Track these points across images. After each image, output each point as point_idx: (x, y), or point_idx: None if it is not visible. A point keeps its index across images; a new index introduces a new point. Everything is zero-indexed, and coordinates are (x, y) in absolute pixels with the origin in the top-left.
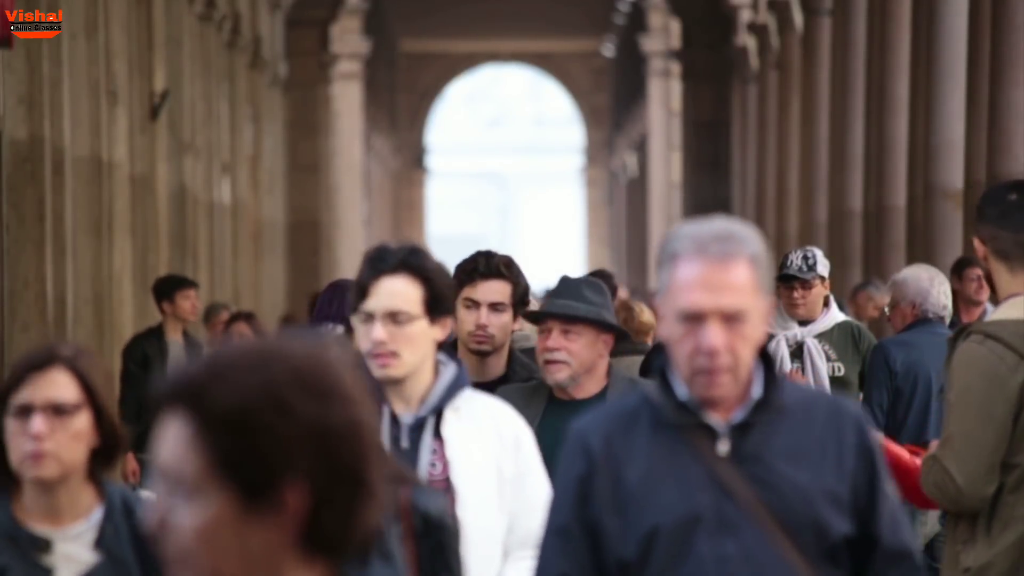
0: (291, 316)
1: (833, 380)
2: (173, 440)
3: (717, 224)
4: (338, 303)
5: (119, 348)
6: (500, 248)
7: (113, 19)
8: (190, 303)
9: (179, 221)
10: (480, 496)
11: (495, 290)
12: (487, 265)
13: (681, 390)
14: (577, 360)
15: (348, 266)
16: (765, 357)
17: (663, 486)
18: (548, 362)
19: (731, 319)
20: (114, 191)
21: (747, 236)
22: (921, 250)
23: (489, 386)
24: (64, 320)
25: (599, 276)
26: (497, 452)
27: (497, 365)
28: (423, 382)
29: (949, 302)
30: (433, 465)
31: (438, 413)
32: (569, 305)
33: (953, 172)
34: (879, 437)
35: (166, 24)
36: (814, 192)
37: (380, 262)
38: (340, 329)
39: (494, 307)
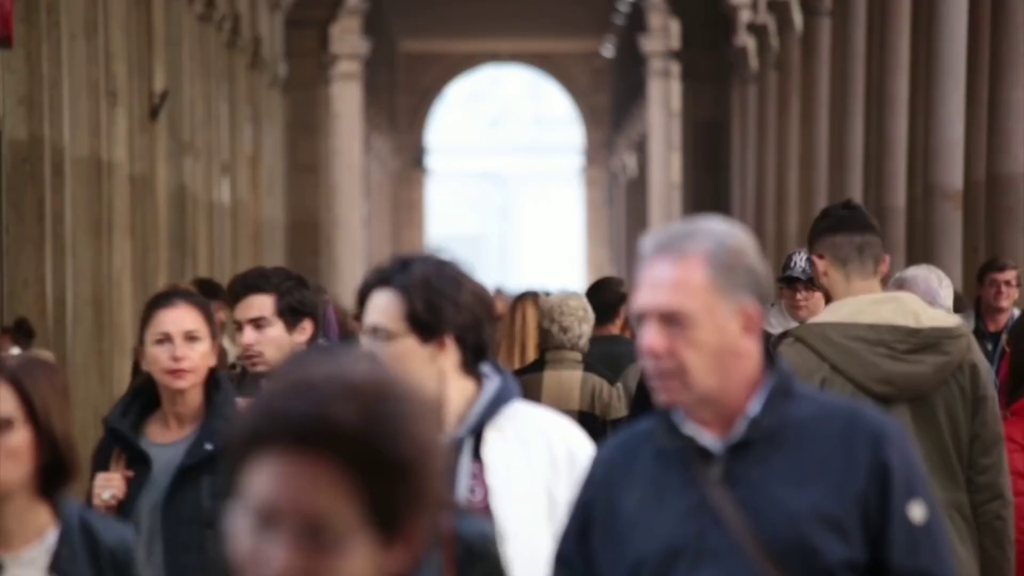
0: None
1: None
2: (315, 488)
3: (684, 224)
4: None
5: (118, 348)
6: (499, 248)
7: (113, 19)
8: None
9: (179, 221)
10: (525, 524)
11: (254, 305)
12: (243, 282)
13: (679, 412)
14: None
15: (348, 266)
16: (777, 367)
17: (654, 516)
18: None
19: (671, 321)
20: (114, 191)
21: (709, 234)
22: (921, 250)
23: None
24: (64, 320)
25: (603, 284)
26: (547, 473)
27: None
28: (454, 401)
29: (951, 305)
30: (472, 491)
31: (478, 433)
32: None
33: (953, 172)
34: None
35: (166, 24)
36: (814, 192)
37: (374, 274)
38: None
39: (257, 323)
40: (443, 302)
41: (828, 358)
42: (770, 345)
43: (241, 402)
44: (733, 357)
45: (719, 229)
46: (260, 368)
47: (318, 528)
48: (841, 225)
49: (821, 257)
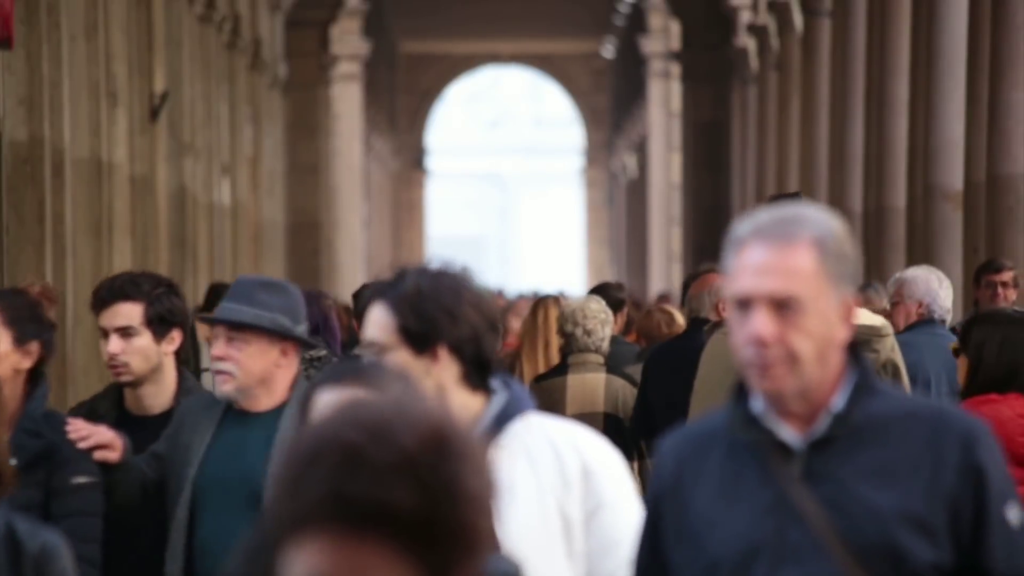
0: None
1: None
2: (372, 573)
3: (785, 209)
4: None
5: None
6: (500, 248)
7: (113, 20)
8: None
9: (179, 222)
10: (535, 548)
11: (120, 313)
12: (109, 289)
13: (756, 403)
14: (243, 370)
15: (348, 267)
16: (859, 362)
17: (729, 513)
18: (216, 372)
19: (782, 307)
20: (114, 192)
21: (815, 219)
22: (921, 251)
23: (156, 421)
24: (64, 321)
25: (605, 288)
26: (558, 491)
27: (159, 395)
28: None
29: (950, 305)
30: None
31: None
32: (235, 309)
33: (953, 173)
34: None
35: (166, 25)
36: (814, 193)
37: (374, 287)
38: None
39: (123, 332)
40: (437, 313)
41: None
42: (703, 333)
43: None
44: (833, 348)
45: (822, 216)
46: (125, 379)
47: None
48: None
49: None
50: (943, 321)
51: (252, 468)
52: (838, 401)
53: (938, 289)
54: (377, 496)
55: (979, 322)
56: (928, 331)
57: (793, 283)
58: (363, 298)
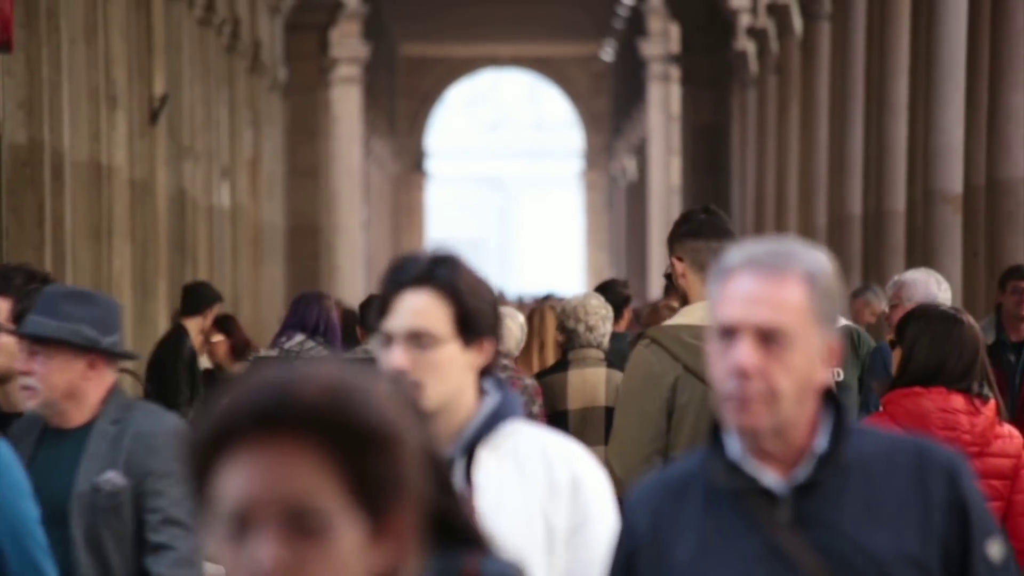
0: None
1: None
2: (290, 470)
3: (777, 242)
4: (302, 312)
5: None
6: (499, 252)
7: (112, 24)
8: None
9: (178, 225)
10: (516, 553)
11: None
12: None
13: (734, 447)
14: (46, 384)
15: (347, 270)
16: (834, 405)
17: (715, 565)
18: (22, 388)
19: (768, 339)
20: (113, 195)
21: (806, 255)
22: (920, 254)
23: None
24: None
25: (608, 286)
26: (545, 500)
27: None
28: (459, 417)
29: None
30: None
31: (471, 452)
32: (38, 322)
33: (952, 176)
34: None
35: (165, 28)
36: (813, 196)
37: (402, 273)
38: (300, 337)
39: None
40: (484, 304)
41: (681, 359)
42: (626, 344)
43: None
44: (811, 389)
45: (812, 252)
46: None
47: (302, 512)
48: (701, 230)
49: (680, 260)
50: None
51: (59, 486)
52: (821, 441)
53: (937, 292)
54: (281, 393)
55: (914, 317)
56: None
57: (781, 315)
58: (372, 308)
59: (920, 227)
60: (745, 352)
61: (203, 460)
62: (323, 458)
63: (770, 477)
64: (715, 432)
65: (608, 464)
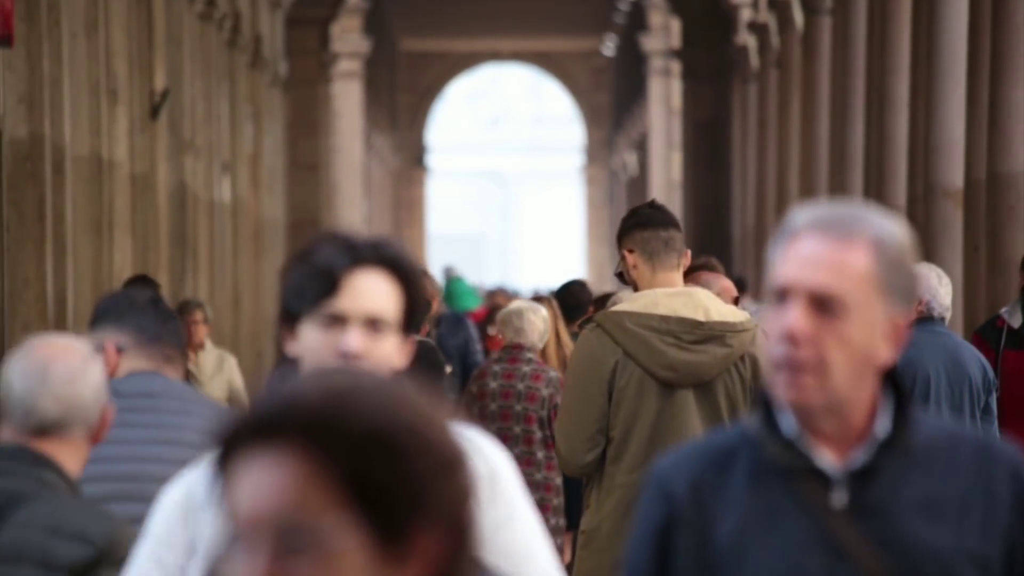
0: None
1: None
2: (286, 481)
3: (848, 205)
4: None
5: None
6: (500, 246)
7: (113, 18)
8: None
9: (179, 220)
10: None
11: None
12: None
13: (787, 423)
14: None
15: None
16: (897, 387)
17: (762, 546)
18: None
19: (823, 306)
20: (114, 190)
21: (877, 221)
22: (921, 249)
23: None
24: (64, 319)
25: (574, 287)
26: None
27: None
28: None
29: (949, 303)
30: None
31: None
32: None
33: (953, 171)
34: None
35: (166, 23)
36: (814, 191)
37: (355, 250)
38: None
39: None
40: (420, 290)
41: (622, 343)
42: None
43: None
44: (870, 366)
45: (885, 219)
46: None
47: (297, 527)
48: (649, 222)
49: (631, 252)
50: (942, 319)
51: None
52: (883, 425)
53: (938, 287)
54: (283, 403)
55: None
56: (927, 328)
57: (840, 282)
58: (350, 255)
59: (921, 222)
60: (795, 316)
61: (218, 473)
62: (321, 469)
63: (826, 459)
64: (766, 406)
65: (556, 443)
